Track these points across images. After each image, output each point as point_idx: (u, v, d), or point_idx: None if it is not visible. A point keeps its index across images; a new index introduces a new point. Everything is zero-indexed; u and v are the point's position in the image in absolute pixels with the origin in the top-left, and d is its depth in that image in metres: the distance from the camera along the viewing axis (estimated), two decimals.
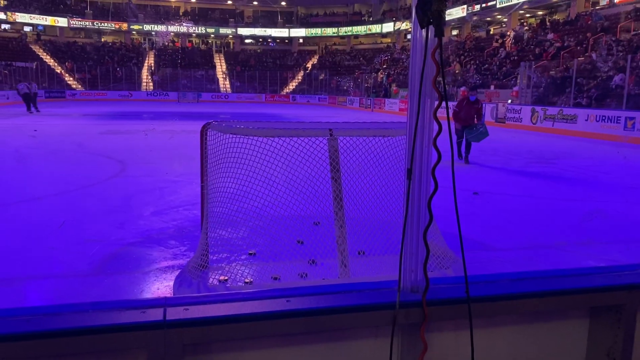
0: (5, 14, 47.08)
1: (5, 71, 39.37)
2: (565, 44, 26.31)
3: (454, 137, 10.95)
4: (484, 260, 4.78)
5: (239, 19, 56.86)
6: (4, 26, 48.99)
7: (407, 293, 1.50)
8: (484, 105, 11.66)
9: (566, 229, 6.03)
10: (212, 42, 57.68)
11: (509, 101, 23.47)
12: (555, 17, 33.78)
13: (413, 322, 1.47)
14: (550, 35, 28.84)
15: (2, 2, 48.83)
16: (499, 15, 37.27)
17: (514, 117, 21.47)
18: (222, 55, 55.45)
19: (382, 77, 39.97)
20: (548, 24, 31.57)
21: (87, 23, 51.29)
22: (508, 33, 33.44)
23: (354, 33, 53.55)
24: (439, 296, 1.49)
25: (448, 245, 4.18)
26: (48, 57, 47.94)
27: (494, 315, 1.57)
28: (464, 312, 1.47)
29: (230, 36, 56.65)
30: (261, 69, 52.18)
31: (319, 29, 55.12)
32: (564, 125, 18.63)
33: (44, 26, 50.87)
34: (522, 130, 20.07)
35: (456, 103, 11.24)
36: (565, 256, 5.05)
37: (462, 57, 35.07)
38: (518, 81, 24.21)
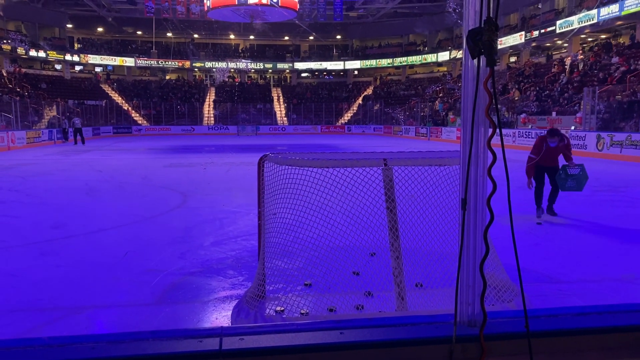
0: (79, 56, 50.42)
1: (78, 109, 41.88)
2: (631, 68, 25.31)
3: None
4: (548, 294, 4.57)
5: (296, 54, 58.32)
6: (77, 68, 52.39)
7: (463, 327, 1.46)
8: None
9: (636, 261, 5.69)
10: (269, 76, 59.32)
11: (572, 127, 22.69)
12: (620, 40, 32.64)
13: (470, 357, 1.42)
14: (615, 59, 27.85)
15: (76, 45, 52.37)
16: (559, 40, 36.40)
17: (579, 144, 20.68)
18: (279, 89, 56.89)
19: (438, 105, 39.65)
20: (614, 47, 30.51)
21: (152, 62, 54.04)
22: (567, 59, 32.57)
23: (409, 63, 53.61)
24: (498, 330, 1.44)
25: (511, 278, 4.03)
26: (116, 95, 50.74)
27: (557, 351, 1.50)
28: (524, 347, 1.42)
29: (287, 70, 58.08)
30: (317, 101, 53.07)
31: (374, 60, 55.60)
32: (634, 151, 17.76)
33: (113, 66, 54.05)
34: (588, 158, 19.26)
35: (533, 148, 8.07)
36: (634, 290, 4.76)
37: (522, 83, 34.34)
38: (581, 107, 23.42)
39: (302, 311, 3.74)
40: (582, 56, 31.80)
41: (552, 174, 7.94)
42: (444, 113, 37.85)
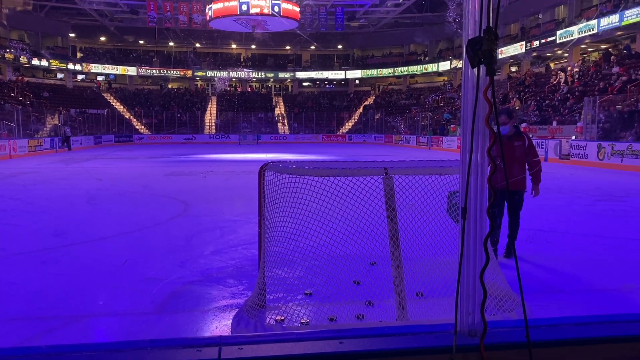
0: (81, 65, 50.64)
1: (80, 118, 42.00)
2: (632, 77, 25.38)
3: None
4: (549, 303, 4.55)
5: (297, 63, 58.55)
6: (80, 77, 52.60)
7: (464, 336, 1.46)
8: (531, 139, 6.20)
9: (637, 271, 5.67)
10: (271, 85, 59.51)
11: (573, 137, 22.71)
12: (621, 49, 32.72)
13: None
14: (615, 69, 27.91)
15: (78, 54, 52.63)
16: (559, 50, 36.51)
17: (579, 154, 20.70)
18: (280, 98, 57.07)
19: (445, 113, 39.60)
20: (613, 58, 30.59)
21: (154, 71, 54.24)
22: (568, 69, 32.64)
23: (410, 72, 53.82)
24: (498, 340, 1.44)
25: (511, 287, 4.02)
26: (118, 103, 50.90)
27: None
28: (525, 357, 1.41)
29: (289, 80, 58.27)
30: (318, 110, 53.21)
31: (375, 70, 55.79)
32: (635, 161, 17.77)
33: (115, 75, 54.27)
34: (588, 167, 19.29)
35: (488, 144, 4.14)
36: (635, 300, 4.74)
37: (522, 93, 34.42)
38: (582, 116, 23.45)
39: (303, 320, 3.72)
40: (577, 68, 31.90)
41: (511, 197, 5.78)
42: (444, 122, 37.90)
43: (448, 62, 48.60)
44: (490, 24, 1.34)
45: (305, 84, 59.28)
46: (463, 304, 1.48)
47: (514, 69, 43.22)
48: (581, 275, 5.55)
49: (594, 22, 30.84)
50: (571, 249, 6.75)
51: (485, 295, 1.45)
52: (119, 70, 53.08)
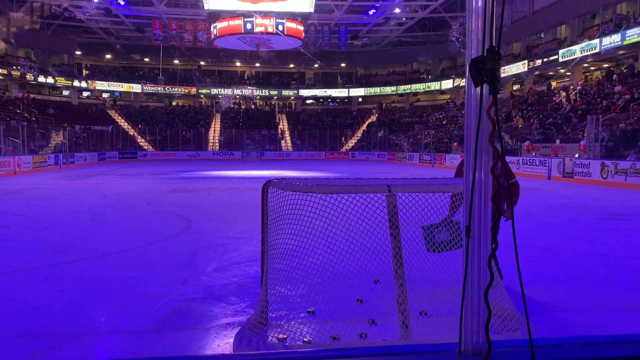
0: (87, 82, 51.13)
1: (84, 134, 42.25)
2: (635, 96, 25.44)
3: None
4: (553, 323, 4.51)
5: (300, 81, 58.98)
6: (85, 94, 53.06)
7: (468, 356, 1.44)
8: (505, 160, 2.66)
9: None
10: (274, 103, 59.89)
11: (576, 155, 22.71)
12: (623, 69, 32.86)
13: None
14: (618, 87, 28.00)
15: (84, 72, 53.17)
16: (562, 69, 36.68)
17: (583, 172, 20.68)
18: (284, 115, 57.41)
19: (453, 131, 39.59)
20: (615, 76, 30.71)
21: (159, 88, 54.69)
22: (570, 87, 32.75)
23: (413, 90, 54.12)
24: None
25: (516, 307, 3.98)
26: (123, 120, 51.26)
27: None
28: None
29: (292, 97, 58.65)
30: (321, 127, 53.47)
31: (378, 88, 56.16)
32: (638, 179, 17.73)
33: (120, 92, 54.74)
34: (592, 185, 19.25)
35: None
36: None
37: (525, 111, 34.52)
38: (585, 135, 23.46)
39: (305, 339, 3.70)
40: (580, 87, 32.01)
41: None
42: (447, 140, 37.94)
43: (451, 80, 48.88)
44: (493, 44, 1.35)
45: (308, 101, 59.65)
46: (467, 323, 1.47)
47: (516, 87, 43.41)
48: (586, 294, 5.50)
49: (596, 41, 31.03)
50: (576, 268, 6.70)
51: (489, 314, 1.44)
52: (124, 87, 53.58)
